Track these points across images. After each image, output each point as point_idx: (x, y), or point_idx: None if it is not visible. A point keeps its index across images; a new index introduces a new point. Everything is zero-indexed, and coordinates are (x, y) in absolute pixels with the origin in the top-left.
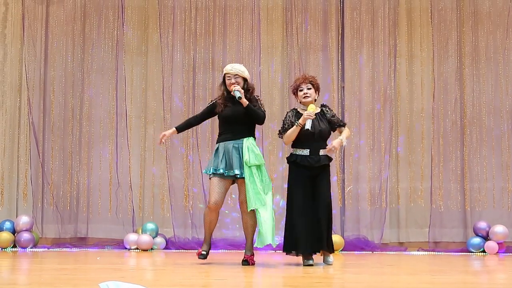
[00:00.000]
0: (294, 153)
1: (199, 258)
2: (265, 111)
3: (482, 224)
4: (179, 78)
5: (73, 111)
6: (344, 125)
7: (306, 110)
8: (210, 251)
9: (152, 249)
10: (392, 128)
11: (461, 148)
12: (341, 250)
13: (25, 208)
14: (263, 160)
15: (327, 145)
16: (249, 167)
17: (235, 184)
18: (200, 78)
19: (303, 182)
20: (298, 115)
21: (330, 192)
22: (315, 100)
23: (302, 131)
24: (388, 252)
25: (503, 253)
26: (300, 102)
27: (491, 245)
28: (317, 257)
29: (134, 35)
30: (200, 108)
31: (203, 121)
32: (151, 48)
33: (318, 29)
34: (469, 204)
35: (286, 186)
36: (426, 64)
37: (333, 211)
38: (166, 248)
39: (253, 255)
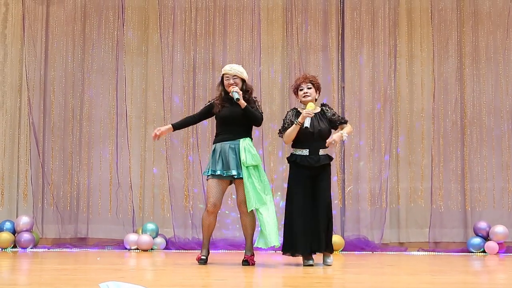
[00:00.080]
0: (294, 153)
1: (199, 263)
2: (262, 112)
3: (482, 224)
4: (179, 79)
5: (73, 112)
6: (345, 122)
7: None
8: (209, 254)
9: (152, 249)
10: (392, 128)
11: (461, 148)
12: (341, 250)
13: (25, 209)
14: (260, 160)
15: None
16: (247, 167)
17: (234, 185)
18: (200, 78)
19: (303, 182)
20: (298, 114)
21: (330, 192)
22: (316, 99)
23: (302, 130)
24: (388, 252)
25: (503, 253)
26: (301, 102)
27: (491, 245)
28: (317, 257)
29: (134, 36)
30: (200, 109)
31: (200, 121)
32: (151, 49)
33: (318, 29)
34: (469, 204)
35: (286, 186)
36: (426, 64)
37: (333, 212)
38: (166, 248)
39: (253, 255)
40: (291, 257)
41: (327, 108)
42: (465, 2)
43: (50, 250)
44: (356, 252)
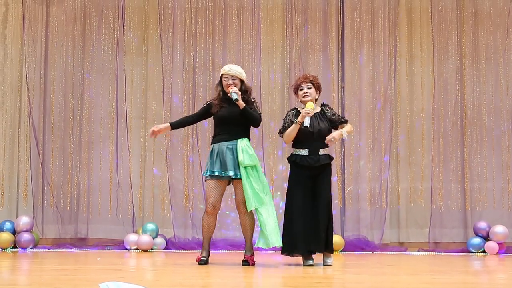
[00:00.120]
0: (294, 153)
1: (199, 264)
2: (260, 113)
3: (482, 224)
4: (179, 79)
5: (73, 112)
6: (346, 121)
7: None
8: (209, 255)
9: (152, 249)
10: (392, 128)
11: (461, 148)
12: (341, 250)
13: (25, 209)
14: (258, 160)
15: (327, 145)
16: (244, 167)
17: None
18: (200, 78)
19: (302, 182)
20: (298, 114)
21: (331, 192)
22: (316, 99)
23: (302, 130)
24: (388, 253)
25: (503, 253)
26: (301, 101)
27: (491, 245)
28: (317, 257)
29: (134, 36)
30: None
31: (198, 121)
32: (151, 49)
33: (318, 30)
34: (470, 204)
35: (286, 186)
36: (426, 64)
37: (333, 212)
38: (166, 248)
39: (253, 255)
40: (289, 257)
41: (327, 108)
42: (465, 2)
43: (50, 250)
44: (356, 252)
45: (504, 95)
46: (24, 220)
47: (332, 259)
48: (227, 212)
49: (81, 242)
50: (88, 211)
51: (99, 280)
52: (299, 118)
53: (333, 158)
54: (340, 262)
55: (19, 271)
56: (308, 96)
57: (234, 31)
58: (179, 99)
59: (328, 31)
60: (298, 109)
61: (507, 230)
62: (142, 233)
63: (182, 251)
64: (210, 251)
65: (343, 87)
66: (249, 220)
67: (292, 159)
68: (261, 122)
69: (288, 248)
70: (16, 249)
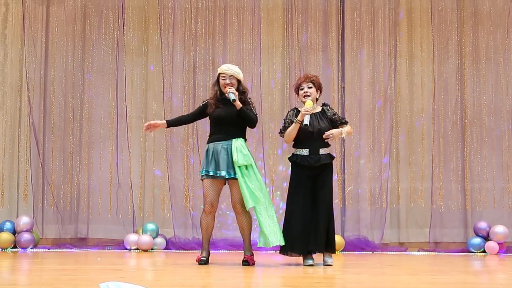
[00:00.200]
0: (295, 153)
1: (199, 264)
2: (257, 114)
3: (483, 224)
4: (180, 79)
5: (73, 112)
6: (346, 122)
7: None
8: (210, 255)
9: (152, 249)
10: (392, 128)
11: (462, 148)
12: (341, 250)
13: (26, 209)
14: (252, 160)
15: (329, 144)
16: (239, 167)
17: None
18: (200, 78)
19: (303, 182)
20: (298, 113)
21: (332, 192)
22: (317, 99)
23: (302, 129)
24: (388, 253)
25: (504, 253)
26: (301, 101)
27: (491, 245)
28: (318, 257)
29: (134, 36)
30: None
31: (195, 120)
32: (151, 49)
33: (318, 30)
34: (470, 204)
35: (286, 187)
36: (427, 64)
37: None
38: (166, 248)
39: (252, 255)
40: (289, 257)
41: (328, 108)
42: (465, 2)
43: (50, 250)
44: (356, 252)
45: (504, 95)
46: (24, 220)
47: (332, 259)
48: (227, 212)
49: (81, 242)
50: (88, 211)
51: (99, 280)
52: (298, 117)
53: (334, 157)
54: (340, 262)
55: (19, 271)
56: (308, 95)
57: (234, 31)
58: (179, 99)
59: (328, 31)
60: (299, 108)
61: (507, 230)
62: (142, 233)
63: (182, 251)
64: (210, 251)
65: (343, 87)
66: (246, 219)
67: (293, 159)
68: (262, 122)
69: (287, 248)
70: (16, 249)
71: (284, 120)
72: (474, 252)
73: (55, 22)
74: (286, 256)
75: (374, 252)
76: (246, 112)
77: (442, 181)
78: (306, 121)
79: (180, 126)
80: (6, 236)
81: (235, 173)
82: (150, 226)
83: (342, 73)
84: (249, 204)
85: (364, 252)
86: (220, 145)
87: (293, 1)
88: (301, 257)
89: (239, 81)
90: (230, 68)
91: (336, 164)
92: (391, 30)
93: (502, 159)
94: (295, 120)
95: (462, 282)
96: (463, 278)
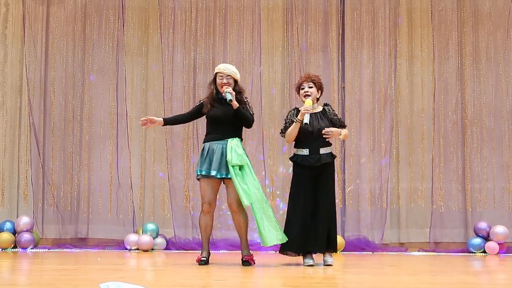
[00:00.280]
0: (296, 153)
1: (199, 264)
2: (253, 114)
3: (483, 225)
4: (180, 79)
5: (73, 112)
6: (344, 126)
7: None
8: (210, 256)
9: (152, 249)
10: (392, 128)
11: (462, 148)
12: (341, 251)
13: (26, 209)
14: (247, 160)
15: (329, 144)
16: (233, 166)
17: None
18: (200, 78)
19: (304, 182)
20: (299, 113)
21: (334, 192)
22: (318, 99)
23: (302, 128)
24: (388, 253)
25: (504, 253)
26: (302, 101)
27: (491, 245)
28: (318, 257)
29: (134, 36)
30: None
31: (192, 120)
32: (151, 49)
33: (318, 30)
34: (470, 205)
35: (286, 188)
36: (427, 65)
37: None
38: (166, 248)
39: (251, 254)
40: (289, 257)
41: (329, 108)
42: (465, 3)
43: (50, 250)
44: (357, 252)
45: (504, 95)
46: (24, 220)
47: (333, 259)
48: (228, 213)
49: (81, 242)
50: (89, 211)
51: (100, 280)
52: (298, 116)
53: (335, 156)
54: (341, 262)
55: (19, 271)
56: (309, 95)
57: (234, 31)
58: (179, 99)
59: (329, 32)
60: (299, 108)
61: (508, 230)
62: (142, 233)
63: (183, 251)
64: (210, 251)
65: (344, 87)
66: (242, 218)
67: (294, 159)
68: (262, 123)
69: (287, 247)
70: (16, 249)
71: (285, 120)
72: (474, 253)
73: (55, 22)
74: (286, 256)
75: (374, 252)
76: (242, 111)
77: (442, 181)
78: (306, 120)
79: (180, 126)
80: (6, 236)
81: (227, 173)
82: (150, 226)
83: (342, 73)
84: (245, 202)
85: (364, 252)
86: (215, 145)
87: (293, 1)
88: (301, 257)
89: (235, 81)
90: (227, 68)
91: (336, 164)
92: (391, 30)
93: (502, 159)
94: (295, 120)
95: (462, 282)
96: (463, 279)
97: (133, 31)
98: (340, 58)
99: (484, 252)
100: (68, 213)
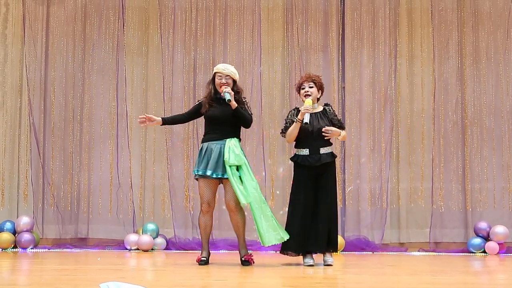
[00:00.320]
0: (296, 153)
1: (199, 264)
2: (251, 114)
3: (483, 225)
4: (180, 79)
5: (73, 112)
6: (343, 128)
7: None
8: (210, 256)
9: (152, 249)
10: (392, 128)
11: (462, 148)
12: (341, 251)
13: (26, 209)
14: (245, 160)
15: (330, 143)
16: (230, 166)
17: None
18: (200, 78)
19: (304, 182)
20: (299, 113)
21: (335, 191)
22: (318, 99)
23: (302, 128)
24: (388, 253)
25: (504, 253)
26: (302, 100)
27: (491, 245)
28: (318, 257)
29: (134, 36)
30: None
31: (190, 119)
32: (151, 49)
33: (318, 30)
34: (470, 205)
35: (287, 188)
36: (427, 65)
37: None
38: (166, 248)
39: (250, 253)
40: (289, 257)
41: (329, 108)
42: (465, 3)
43: (50, 250)
44: (357, 253)
45: (504, 95)
46: (24, 220)
47: (333, 259)
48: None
49: (81, 242)
50: (89, 211)
51: (100, 280)
52: (298, 116)
53: (336, 156)
54: (341, 262)
55: (20, 271)
56: (309, 95)
57: (234, 31)
58: (180, 100)
59: (329, 31)
60: (299, 108)
61: (508, 230)
62: (142, 233)
63: (183, 251)
64: (210, 251)
65: (344, 87)
66: (240, 218)
67: (294, 159)
68: (262, 123)
69: (287, 247)
70: (16, 249)
71: (285, 120)
72: (474, 253)
73: (55, 22)
74: (286, 256)
75: (374, 252)
76: (241, 111)
77: (443, 181)
78: (306, 119)
79: (180, 126)
80: (6, 236)
81: (223, 173)
82: (150, 226)
83: (342, 73)
84: (243, 200)
85: (364, 252)
86: (214, 145)
87: (293, 1)
88: (301, 257)
89: (234, 81)
90: (226, 68)
91: (336, 164)
92: (391, 30)
93: (503, 159)
94: (295, 120)
95: (462, 282)
96: (463, 279)
97: (133, 31)
98: (340, 58)
99: (484, 252)
100: (68, 213)
